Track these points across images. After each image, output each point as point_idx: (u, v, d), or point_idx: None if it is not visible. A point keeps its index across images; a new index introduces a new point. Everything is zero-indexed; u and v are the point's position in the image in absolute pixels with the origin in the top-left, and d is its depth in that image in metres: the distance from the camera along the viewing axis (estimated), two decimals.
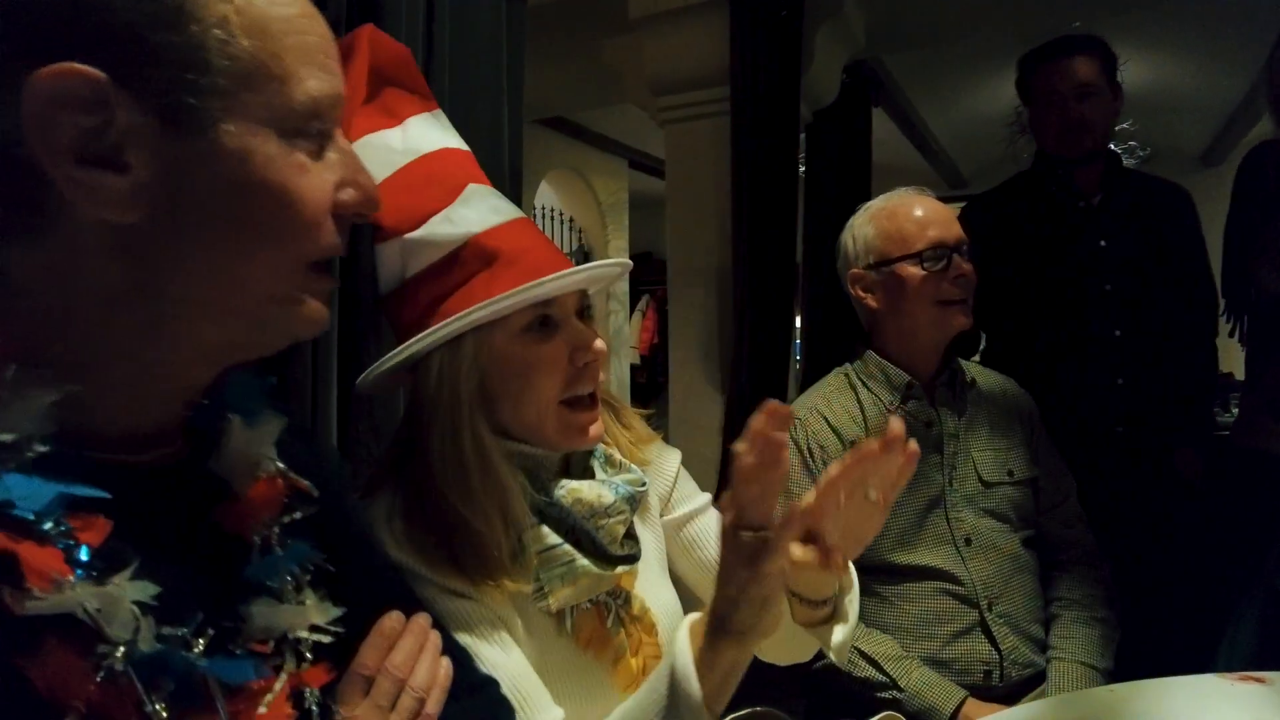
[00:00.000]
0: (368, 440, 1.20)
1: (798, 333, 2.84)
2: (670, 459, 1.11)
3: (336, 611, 0.62)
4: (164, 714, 0.48)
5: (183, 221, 0.52)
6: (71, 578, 0.46)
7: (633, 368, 6.59)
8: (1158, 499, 1.95)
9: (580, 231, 6.02)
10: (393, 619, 0.67)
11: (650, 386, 6.95)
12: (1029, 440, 1.57)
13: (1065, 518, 1.56)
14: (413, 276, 0.89)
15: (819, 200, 3.03)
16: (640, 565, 0.97)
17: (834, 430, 1.49)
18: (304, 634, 0.60)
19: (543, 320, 0.88)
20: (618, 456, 1.00)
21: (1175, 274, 1.95)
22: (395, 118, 0.93)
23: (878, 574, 1.45)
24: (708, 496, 1.14)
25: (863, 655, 1.38)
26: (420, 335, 0.85)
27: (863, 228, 1.57)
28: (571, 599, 0.89)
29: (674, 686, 0.77)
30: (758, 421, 0.73)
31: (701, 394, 2.40)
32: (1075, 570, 1.53)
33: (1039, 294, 1.98)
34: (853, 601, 0.97)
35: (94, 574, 0.47)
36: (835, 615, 0.96)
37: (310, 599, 0.62)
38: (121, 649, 0.47)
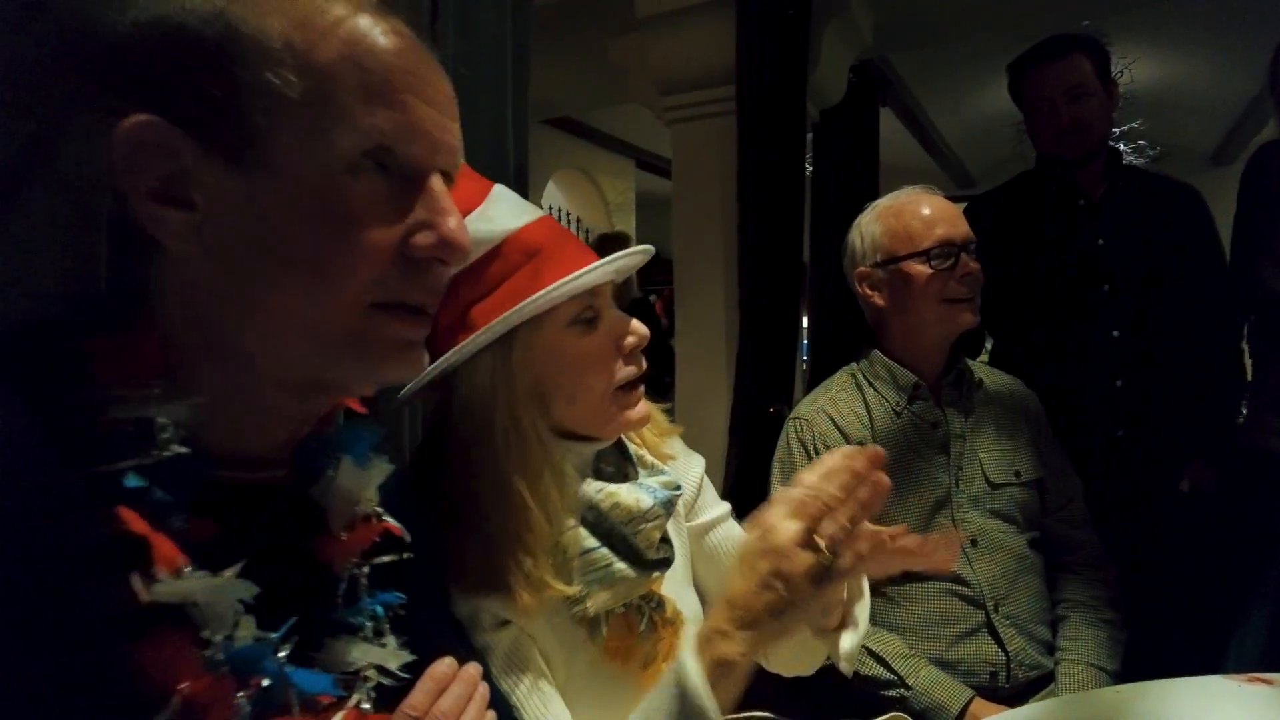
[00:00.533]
0: None
1: (804, 333, 2.84)
2: (695, 465, 1.13)
3: (410, 658, 0.64)
4: (248, 709, 0.51)
5: (241, 255, 0.54)
6: (189, 569, 0.50)
7: None
8: (1161, 502, 1.93)
9: (588, 232, 6.03)
10: (445, 664, 0.67)
11: (657, 385, 6.95)
12: (1035, 441, 1.56)
13: (1071, 519, 1.55)
14: (451, 276, 0.90)
15: (826, 200, 3.03)
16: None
17: (840, 431, 1.49)
18: (372, 674, 0.62)
19: (591, 314, 0.89)
20: (649, 457, 1.00)
21: (1184, 275, 1.91)
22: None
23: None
24: (727, 506, 1.15)
25: (870, 653, 1.38)
26: (473, 337, 0.83)
27: (870, 226, 1.56)
28: (608, 603, 0.89)
29: (686, 701, 0.73)
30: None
31: (708, 393, 2.40)
32: (1082, 572, 1.52)
33: (1038, 294, 1.96)
34: (863, 608, 0.96)
35: (204, 570, 0.50)
36: (845, 622, 0.94)
37: (390, 642, 0.64)
38: (222, 641, 0.50)
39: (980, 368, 1.63)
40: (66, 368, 0.52)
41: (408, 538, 0.69)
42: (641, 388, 0.95)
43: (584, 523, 0.89)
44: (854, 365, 1.61)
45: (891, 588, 1.44)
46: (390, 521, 0.68)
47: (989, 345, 2.20)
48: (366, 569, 0.65)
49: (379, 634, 0.64)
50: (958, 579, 1.42)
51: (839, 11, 2.48)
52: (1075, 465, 1.60)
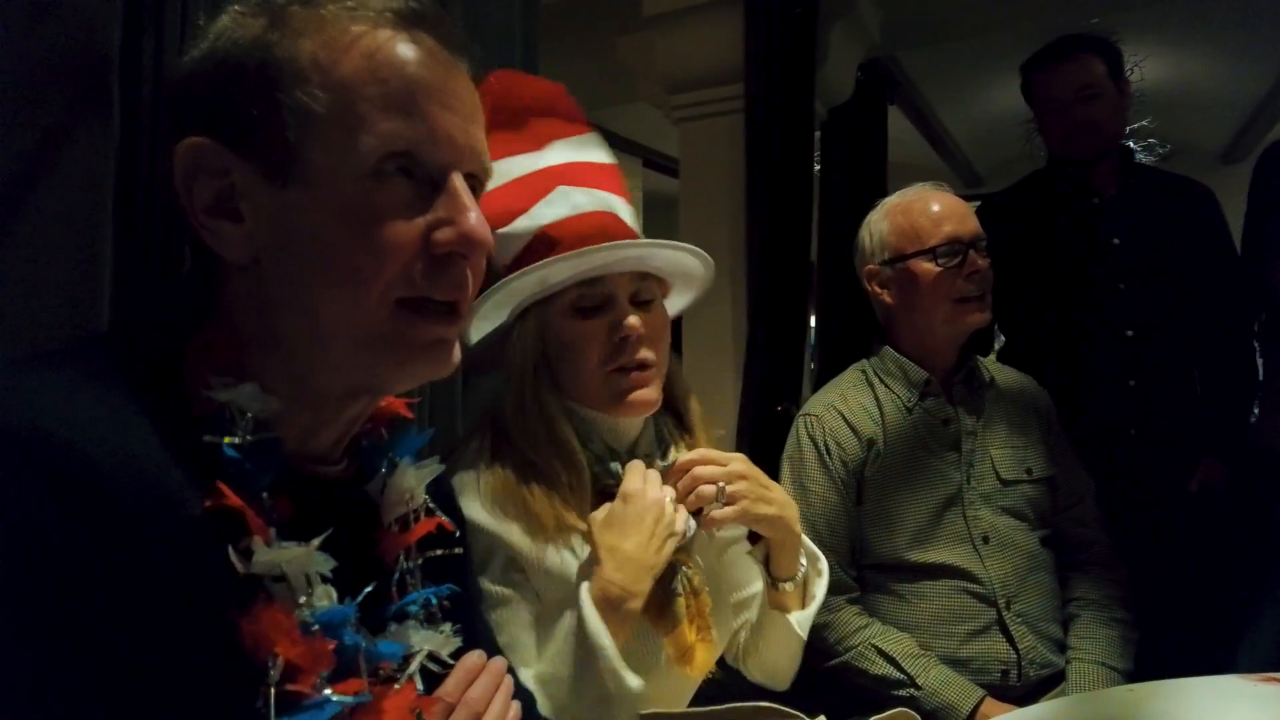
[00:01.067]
0: None
1: (812, 331, 2.83)
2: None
3: (459, 644, 0.69)
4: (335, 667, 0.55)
5: (286, 263, 0.58)
6: (288, 543, 0.55)
7: None
8: (1172, 501, 1.92)
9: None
10: (475, 656, 0.71)
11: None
12: (1046, 438, 1.56)
13: (1082, 518, 1.55)
14: (502, 265, 1.02)
15: (833, 198, 3.02)
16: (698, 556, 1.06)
17: (851, 427, 1.48)
18: (423, 658, 0.66)
19: (587, 302, 1.00)
20: (675, 455, 1.07)
21: (1196, 274, 1.91)
22: (538, 143, 1.06)
23: (894, 572, 1.44)
24: (744, 531, 1.16)
25: (879, 652, 1.38)
26: (480, 298, 0.97)
27: (879, 223, 1.56)
28: None
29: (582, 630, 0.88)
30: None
31: (715, 392, 2.40)
32: (1093, 570, 1.51)
33: (1050, 292, 1.95)
34: (820, 585, 1.12)
35: (286, 543, 0.56)
36: (805, 600, 1.10)
37: (446, 629, 0.69)
38: (309, 606, 0.56)
39: (991, 365, 1.63)
40: (162, 363, 0.58)
41: (458, 533, 0.75)
42: (644, 374, 1.02)
43: (605, 496, 0.99)
44: (865, 361, 1.60)
45: (902, 585, 1.44)
46: (441, 517, 0.73)
47: (998, 344, 2.19)
48: (420, 560, 0.70)
49: (432, 621, 0.69)
50: (969, 576, 1.41)
51: (847, 10, 2.47)
52: (1087, 463, 1.60)
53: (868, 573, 1.48)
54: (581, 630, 0.88)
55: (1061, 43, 1.98)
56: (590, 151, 1.10)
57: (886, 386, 1.53)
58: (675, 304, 1.17)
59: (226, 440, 0.55)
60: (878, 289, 1.56)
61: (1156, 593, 1.72)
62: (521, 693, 0.79)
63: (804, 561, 1.11)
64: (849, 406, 1.51)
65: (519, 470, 0.97)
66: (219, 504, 0.54)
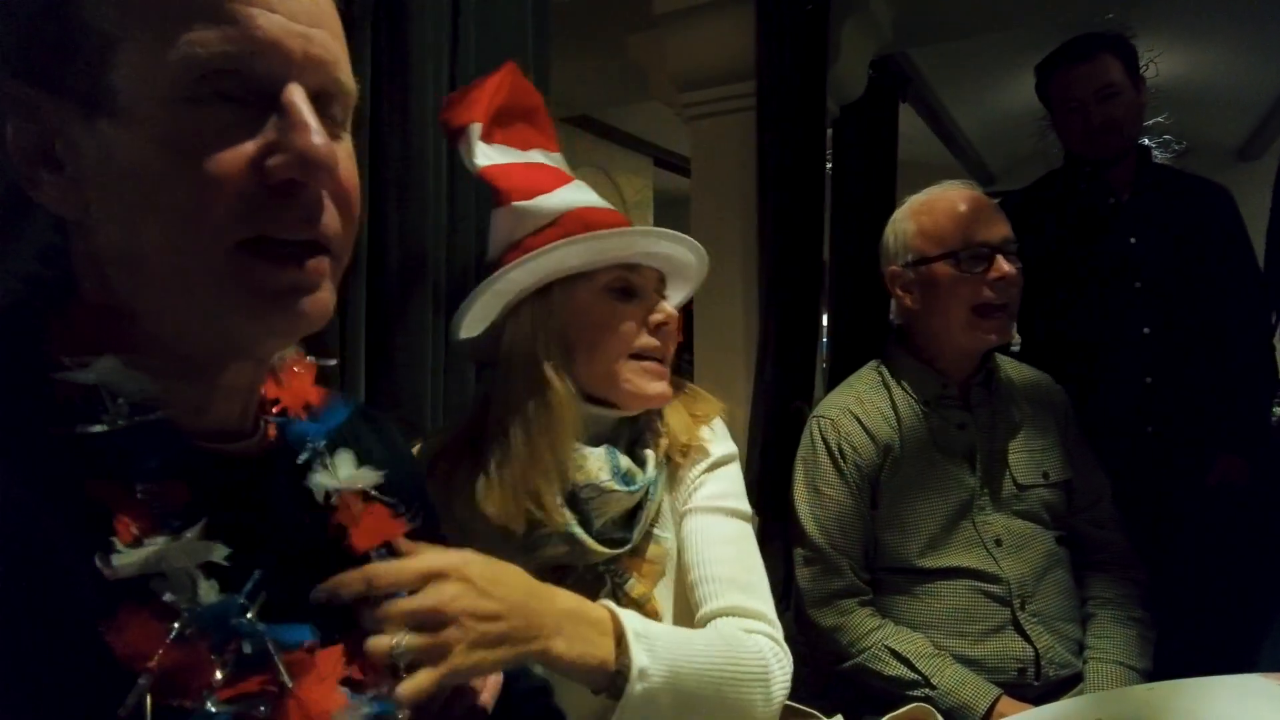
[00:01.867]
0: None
1: (824, 331, 2.82)
2: (707, 457, 1.07)
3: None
4: (221, 674, 0.49)
5: (112, 211, 0.51)
6: (157, 538, 0.48)
7: None
8: (1191, 498, 1.90)
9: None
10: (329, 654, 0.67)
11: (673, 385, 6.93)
12: (1064, 439, 1.54)
13: (1098, 518, 1.53)
14: (520, 239, 0.99)
15: (846, 197, 3.01)
16: (658, 562, 1.00)
17: (866, 431, 1.46)
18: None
19: (624, 285, 0.99)
20: (660, 454, 1.02)
21: (1214, 272, 1.90)
22: (521, 145, 1.05)
23: (907, 574, 1.43)
24: (713, 498, 1.05)
25: (893, 653, 1.36)
26: (513, 264, 0.94)
27: (903, 223, 1.52)
28: (551, 559, 0.95)
29: None
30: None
31: (728, 391, 2.38)
32: (1110, 570, 1.50)
33: (1068, 292, 1.94)
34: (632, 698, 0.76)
35: (172, 535, 0.49)
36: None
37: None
38: (187, 606, 0.49)
39: (1009, 364, 1.60)
40: (21, 349, 0.51)
41: (405, 515, 0.67)
42: (663, 366, 1.01)
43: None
44: (880, 362, 1.58)
45: (916, 585, 1.42)
46: (384, 500, 0.66)
47: (1015, 344, 2.17)
48: (385, 551, 0.65)
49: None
50: (984, 576, 1.40)
51: (859, 6, 2.46)
52: (1104, 461, 1.58)
53: (881, 575, 1.46)
54: None
55: (1078, 42, 1.96)
56: (564, 167, 1.10)
57: (903, 389, 1.51)
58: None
59: (92, 428, 0.48)
60: (900, 292, 1.53)
61: (1175, 591, 1.71)
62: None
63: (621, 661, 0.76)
64: (864, 409, 1.49)
65: (492, 459, 0.94)
66: (85, 501, 0.47)
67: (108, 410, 0.50)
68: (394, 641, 0.60)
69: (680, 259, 1.07)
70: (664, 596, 1.02)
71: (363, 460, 0.66)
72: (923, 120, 4.64)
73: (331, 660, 0.56)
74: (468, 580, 0.65)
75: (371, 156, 1.16)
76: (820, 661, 1.45)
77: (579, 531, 0.94)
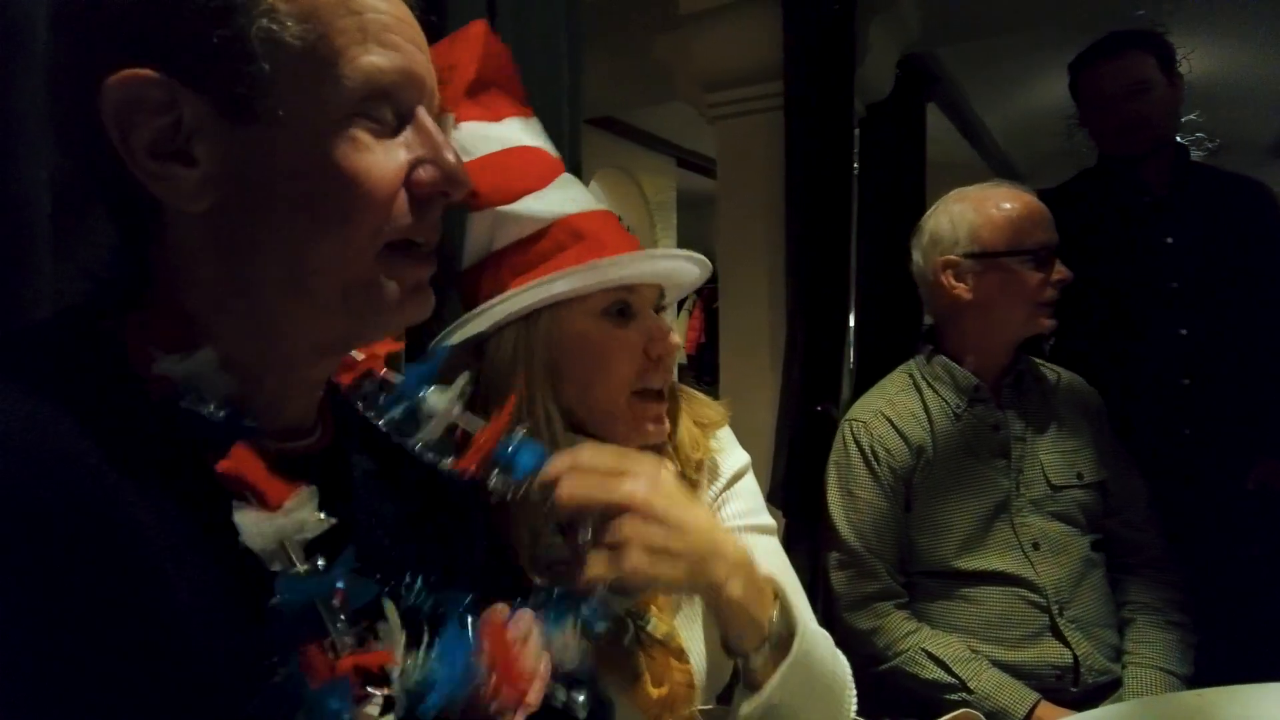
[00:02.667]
0: None
1: (851, 333, 2.80)
2: (726, 468, 1.01)
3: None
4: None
5: (250, 208, 0.53)
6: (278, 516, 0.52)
7: (679, 368, 6.59)
8: (1230, 501, 1.87)
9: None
10: (500, 609, 0.68)
11: (696, 387, 6.93)
12: (1098, 440, 1.52)
13: (1134, 521, 1.51)
14: (499, 249, 0.90)
15: (873, 197, 2.99)
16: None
17: (899, 433, 1.46)
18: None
19: (622, 306, 0.89)
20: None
21: (1252, 271, 1.86)
22: (494, 114, 0.94)
23: (943, 578, 1.42)
24: (746, 513, 1.00)
25: (930, 657, 1.35)
26: (501, 297, 0.86)
27: (964, 213, 1.50)
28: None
29: None
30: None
31: (751, 395, 2.38)
32: (1146, 574, 1.48)
33: (1102, 292, 1.91)
34: (786, 673, 0.74)
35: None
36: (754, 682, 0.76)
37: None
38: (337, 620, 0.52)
39: (1041, 365, 1.59)
40: (98, 351, 0.52)
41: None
42: (664, 405, 0.92)
43: None
44: (912, 364, 1.57)
45: (952, 590, 1.41)
46: (477, 423, 0.68)
47: (1048, 344, 2.15)
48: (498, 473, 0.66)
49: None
50: (1021, 582, 1.38)
51: (886, 5, 2.45)
52: (1141, 464, 1.56)
53: (916, 578, 1.45)
54: None
55: (1111, 38, 1.94)
56: (544, 139, 0.98)
57: (935, 391, 1.50)
58: None
59: (192, 421, 0.51)
60: (952, 281, 1.50)
61: (1214, 596, 1.68)
62: None
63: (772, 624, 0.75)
64: (897, 412, 1.48)
65: None
66: (226, 470, 0.51)
67: (198, 403, 0.52)
68: (589, 521, 0.65)
69: (682, 274, 0.98)
70: (692, 635, 0.93)
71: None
72: (949, 120, 4.60)
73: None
74: (658, 508, 0.67)
75: None
76: (856, 663, 1.44)
77: None
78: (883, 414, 1.48)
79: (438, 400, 0.67)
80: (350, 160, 0.53)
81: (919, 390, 1.52)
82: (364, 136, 0.54)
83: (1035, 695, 1.30)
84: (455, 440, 0.67)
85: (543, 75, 1.43)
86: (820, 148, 2.29)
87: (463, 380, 0.68)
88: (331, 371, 0.65)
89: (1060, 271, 1.44)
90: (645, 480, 0.68)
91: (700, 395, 1.04)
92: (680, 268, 0.96)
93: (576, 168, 1.54)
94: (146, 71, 0.50)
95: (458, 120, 0.91)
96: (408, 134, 0.57)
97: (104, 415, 0.49)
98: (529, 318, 0.87)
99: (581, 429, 0.90)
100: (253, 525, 0.51)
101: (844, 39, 2.34)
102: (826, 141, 2.31)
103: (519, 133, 0.96)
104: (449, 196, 0.59)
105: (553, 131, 1.47)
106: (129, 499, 0.47)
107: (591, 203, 0.94)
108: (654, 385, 0.90)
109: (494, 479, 0.67)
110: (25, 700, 0.42)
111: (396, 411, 0.67)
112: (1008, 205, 1.48)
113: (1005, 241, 1.45)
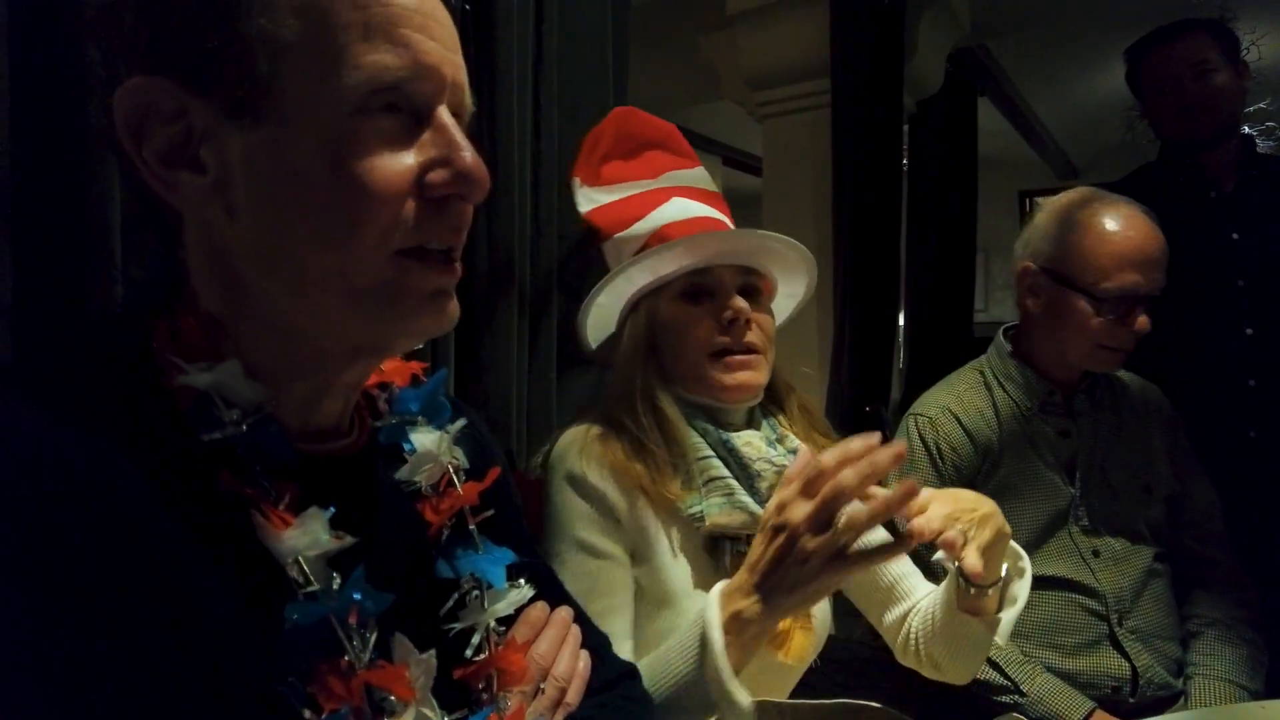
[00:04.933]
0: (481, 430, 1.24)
1: (900, 331, 2.77)
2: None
3: (527, 595, 0.67)
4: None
5: (264, 214, 0.52)
6: (290, 529, 0.51)
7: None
8: None
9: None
10: (538, 609, 0.69)
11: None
12: (1170, 454, 1.47)
13: (1206, 536, 1.45)
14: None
15: (922, 193, 2.95)
16: None
17: (966, 431, 1.42)
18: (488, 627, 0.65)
19: (695, 289, 1.04)
20: (793, 440, 1.08)
21: None
22: (654, 172, 1.13)
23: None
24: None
25: None
26: (591, 294, 1.06)
27: (1051, 225, 1.40)
28: (724, 522, 0.97)
29: (704, 647, 0.83)
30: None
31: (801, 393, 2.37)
32: (1217, 589, 1.41)
33: (1165, 290, 1.85)
34: (1023, 586, 1.01)
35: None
36: (1003, 603, 0.99)
37: (505, 595, 0.66)
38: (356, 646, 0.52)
39: (1116, 373, 1.53)
40: (126, 361, 0.52)
41: (504, 483, 0.70)
42: (748, 358, 1.03)
43: (718, 456, 1.01)
44: (983, 360, 1.52)
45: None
46: (466, 482, 0.68)
47: None
48: (474, 529, 0.67)
49: (484, 589, 0.65)
50: (1080, 588, 1.35)
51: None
52: (1205, 467, 1.51)
53: None
54: (699, 639, 0.83)
55: (1171, 24, 1.88)
56: (701, 180, 1.16)
57: (1005, 391, 1.46)
58: (779, 310, 1.20)
59: (216, 434, 0.51)
60: (1025, 290, 1.44)
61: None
62: (595, 637, 0.76)
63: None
64: (964, 409, 1.44)
65: (625, 445, 0.99)
66: (230, 490, 0.50)
67: (221, 413, 0.51)
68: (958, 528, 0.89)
69: (763, 251, 1.08)
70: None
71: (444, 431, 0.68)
72: (1002, 113, 4.50)
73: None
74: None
75: None
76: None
77: (750, 502, 0.98)
78: (950, 410, 1.45)
79: (424, 439, 0.66)
80: (354, 163, 0.51)
81: (989, 389, 1.48)
82: (371, 138, 0.52)
83: (1090, 703, 1.27)
84: (438, 484, 0.67)
85: (590, 77, 1.45)
86: (869, 145, 2.27)
87: (457, 425, 0.68)
88: (365, 376, 0.63)
89: (1140, 322, 1.32)
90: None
91: (818, 418, 1.18)
92: (737, 245, 1.06)
93: None
94: (155, 79, 0.50)
95: (608, 180, 1.11)
96: (424, 135, 0.54)
97: (131, 427, 0.48)
98: (635, 307, 1.06)
99: (684, 399, 1.05)
100: (269, 540, 0.51)
101: (893, 35, 2.31)
102: (875, 139, 2.28)
103: (674, 178, 1.13)
104: (465, 200, 0.56)
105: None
106: (155, 514, 0.46)
107: (693, 211, 1.08)
108: (727, 342, 1.02)
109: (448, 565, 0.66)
110: (46, 709, 0.41)
111: (383, 435, 0.66)
112: (1102, 233, 1.34)
113: (1079, 273, 1.34)
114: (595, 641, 0.75)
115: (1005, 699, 1.30)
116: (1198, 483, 1.48)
